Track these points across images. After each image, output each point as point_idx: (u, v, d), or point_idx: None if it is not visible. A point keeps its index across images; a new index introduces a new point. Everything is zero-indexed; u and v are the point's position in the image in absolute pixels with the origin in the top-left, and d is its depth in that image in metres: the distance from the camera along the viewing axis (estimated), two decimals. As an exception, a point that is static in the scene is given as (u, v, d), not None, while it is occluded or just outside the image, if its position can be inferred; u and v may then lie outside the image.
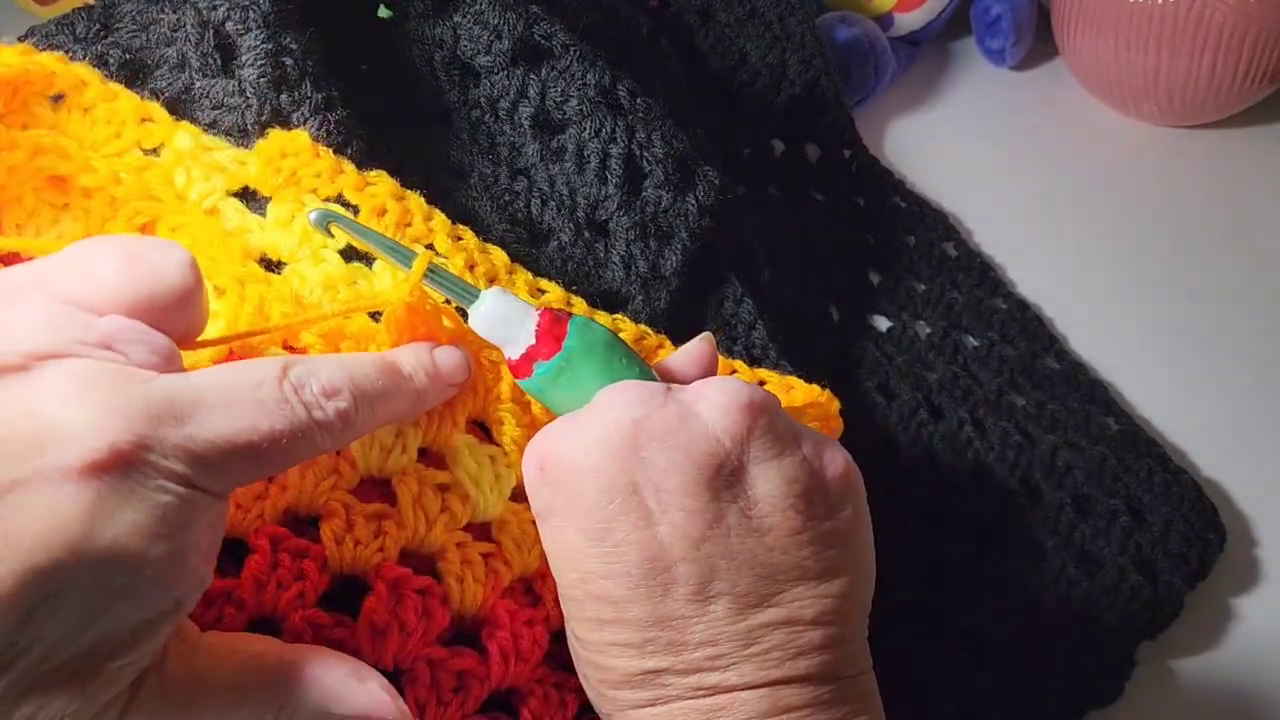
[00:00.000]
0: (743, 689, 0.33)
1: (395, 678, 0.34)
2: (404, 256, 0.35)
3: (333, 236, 0.35)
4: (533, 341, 0.35)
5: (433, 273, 0.35)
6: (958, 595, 0.51)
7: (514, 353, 0.35)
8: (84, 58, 0.39)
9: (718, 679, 0.33)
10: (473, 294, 0.36)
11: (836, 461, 0.35)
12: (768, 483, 0.34)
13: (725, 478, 0.33)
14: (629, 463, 0.33)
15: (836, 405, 0.43)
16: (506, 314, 0.35)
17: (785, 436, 0.35)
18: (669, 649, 0.33)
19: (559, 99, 0.45)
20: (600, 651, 0.34)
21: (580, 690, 0.37)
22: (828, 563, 0.34)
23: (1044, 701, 0.49)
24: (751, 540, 0.33)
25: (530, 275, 0.41)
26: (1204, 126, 0.71)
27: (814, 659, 0.34)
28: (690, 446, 0.33)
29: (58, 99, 0.38)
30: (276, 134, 0.39)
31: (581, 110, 0.45)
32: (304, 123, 0.39)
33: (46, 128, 0.37)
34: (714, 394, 0.34)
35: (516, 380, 0.36)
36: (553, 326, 0.35)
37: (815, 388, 0.43)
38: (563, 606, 0.35)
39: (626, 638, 0.33)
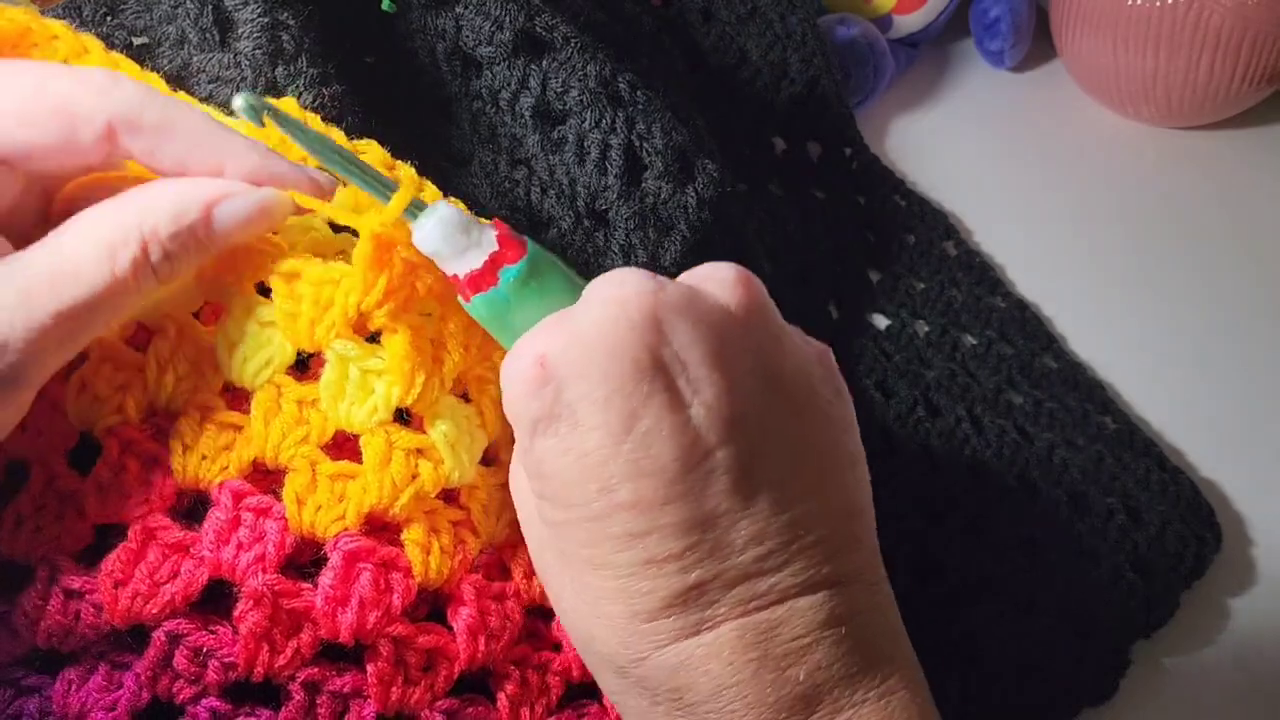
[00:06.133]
0: (796, 593, 0.29)
1: (357, 653, 0.33)
2: (358, 174, 0.32)
3: (263, 125, 0.32)
4: (495, 248, 0.32)
5: (373, 178, 0.32)
6: (953, 592, 0.51)
7: (475, 261, 0.32)
8: (90, 39, 0.39)
9: (769, 583, 0.29)
10: (419, 206, 0.32)
11: (825, 347, 0.34)
12: (795, 360, 0.31)
13: (754, 352, 0.31)
14: (652, 338, 0.29)
15: None
16: (462, 221, 0.32)
17: (783, 321, 0.33)
18: (714, 554, 0.29)
19: (560, 90, 0.46)
20: (632, 575, 0.29)
21: (565, 674, 0.36)
22: (853, 448, 0.32)
23: (1038, 699, 0.49)
24: (787, 420, 0.30)
25: None
26: (1203, 127, 0.71)
27: (858, 555, 0.31)
28: (710, 317, 0.30)
29: None
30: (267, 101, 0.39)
31: (582, 101, 0.45)
32: (299, 96, 0.39)
33: None
34: (714, 271, 0.32)
35: (475, 296, 0.32)
36: (513, 234, 0.32)
37: None
38: (569, 538, 0.30)
39: (666, 549, 0.29)
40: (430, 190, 0.39)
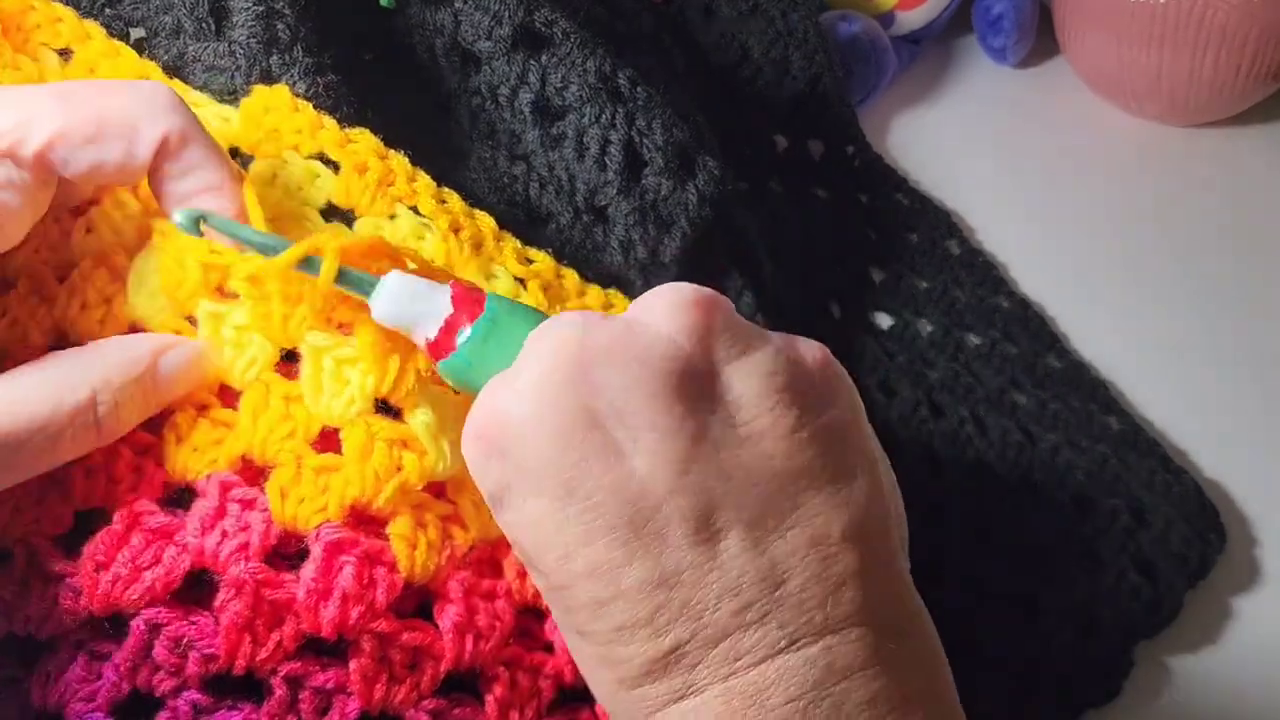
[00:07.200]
0: (785, 648, 0.27)
1: (341, 649, 0.33)
2: (277, 250, 0.32)
3: (201, 235, 0.33)
4: (450, 310, 0.31)
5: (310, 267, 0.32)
6: (956, 593, 0.51)
7: (431, 330, 0.31)
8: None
9: (753, 639, 0.27)
10: (374, 283, 0.32)
11: (813, 352, 0.31)
12: (745, 380, 0.29)
13: (695, 385, 0.28)
14: (580, 390, 0.28)
15: None
16: (414, 290, 0.31)
17: (749, 331, 0.30)
18: (686, 614, 0.27)
19: (559, 85, 0.45)
20: (609, 642, 0.28)
21: (557, 677, 0.35)
22: (838, 462, 0.29)
23: (1042, 700, 0.48)
24: (745, 451, 0.28)
25: (519, 244, 0.40)
26: (1208, 125, 0.71)
27: (858, 590, 0.28)
28: (647, 355, 0.28)
29: (64, 55, 0.39)
30: (260, 89, 0.39)
31: (581, 96, 0.45)
32: (293, 86, 0.39)
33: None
34: (657, 299, 0.30)
35: (439, 364, 0.32)
36: (469, 292, 0.32)
37: None
38: (552, 604, 0.30)
39: (634, 614, 0.27)
40: (424, 181, 0.39)
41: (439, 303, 0.31)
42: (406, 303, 0.32)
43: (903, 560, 0.31)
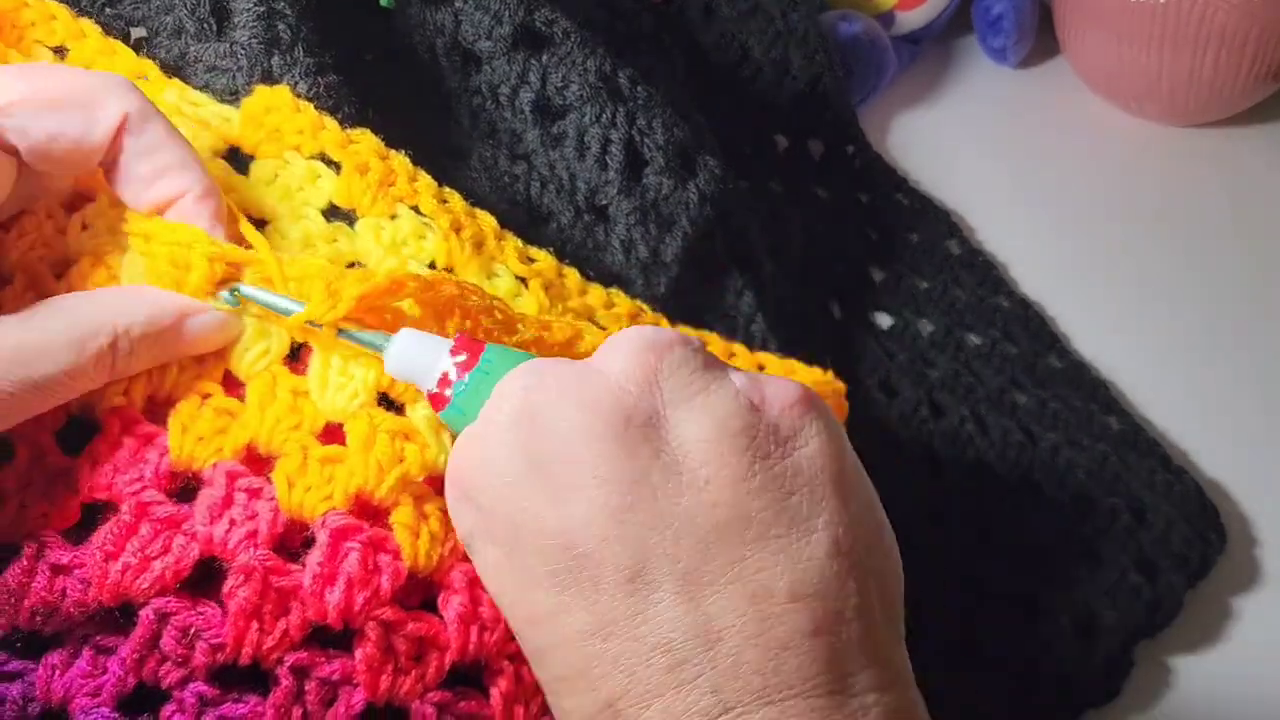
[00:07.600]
0: (721, 715, 0.25)
1: (347, 643, 0.32)
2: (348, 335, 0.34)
3: (240, 305, 0.34)
4: (448, 367, 0.32)
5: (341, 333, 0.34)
6: (956, 593, 0.51)
7: (430, 384, 0.32)
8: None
9: (687, 703, 0.25)
10: (385, 340, 0.34)
11: (784, 393, 0.29)
12: (694, 424, 0.28)
13: (639, 429, 0.28)
14: (525, 436, 0.28)
15: (842, 387, 0.42)
16: (419, 347, 0.33)
17: (709, 370, 0.29)
18: (619, 668, 0.26)
19: (560, 85, 0.45)
20: (554, 693, 0.28)
21: None
22: (793, 511, 0.27)
23: (1042, 700, 0.48)
24: (687, 499, 0.27)
25: (520, 243, 0.40)
26: (1208, 125, 0.71)
27: (806, 654, 0.26)
28: (591, 401, 0.28)
29: (60, 53, 0.39)
30: (261, 90, 0.39)
31: (582, 96, 0.45)
32: (294, 86, 0.39)
33: None
34: (614, 343, 0.30)
35: (440, 416, 0.33)
36: (469, 344, 0.33)
37: (817, 370, 0.42)
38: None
39: (570, 664, 0.27)
40: (425, 181, 0.39)
41: (440, 357, 0.33)
42: (412, 360, 0.33)
43: (883, 618, 0.28)
